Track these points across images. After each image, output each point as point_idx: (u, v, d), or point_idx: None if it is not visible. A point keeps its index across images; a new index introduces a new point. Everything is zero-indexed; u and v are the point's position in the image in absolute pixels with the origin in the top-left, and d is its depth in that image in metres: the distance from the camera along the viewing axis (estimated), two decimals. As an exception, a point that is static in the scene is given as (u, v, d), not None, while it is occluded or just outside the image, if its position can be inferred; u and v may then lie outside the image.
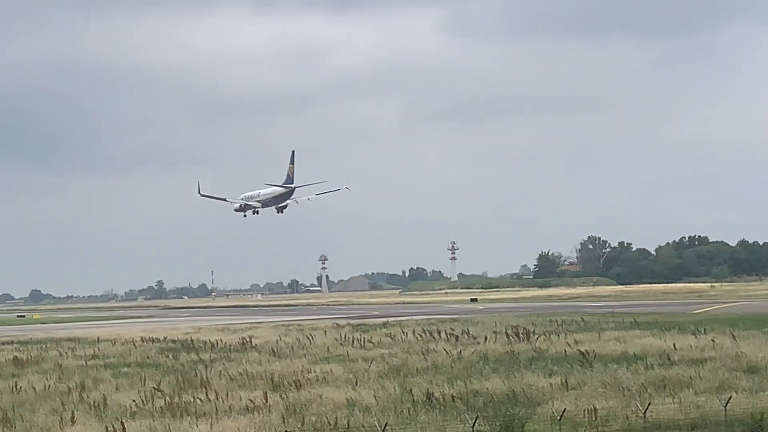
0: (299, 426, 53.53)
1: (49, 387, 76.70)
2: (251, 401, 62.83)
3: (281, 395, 66.02)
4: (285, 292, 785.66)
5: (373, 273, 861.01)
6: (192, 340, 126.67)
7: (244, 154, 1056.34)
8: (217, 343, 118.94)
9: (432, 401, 61.32)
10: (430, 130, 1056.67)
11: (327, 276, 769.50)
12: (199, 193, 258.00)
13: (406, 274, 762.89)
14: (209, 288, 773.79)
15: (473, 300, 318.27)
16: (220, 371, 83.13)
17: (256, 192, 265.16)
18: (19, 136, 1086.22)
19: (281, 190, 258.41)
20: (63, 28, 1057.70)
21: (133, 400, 65.36)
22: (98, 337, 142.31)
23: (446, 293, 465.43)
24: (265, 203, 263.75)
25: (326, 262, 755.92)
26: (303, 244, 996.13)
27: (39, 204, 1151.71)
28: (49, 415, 61.70)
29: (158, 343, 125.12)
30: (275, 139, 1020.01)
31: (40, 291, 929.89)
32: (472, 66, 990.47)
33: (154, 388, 70.91)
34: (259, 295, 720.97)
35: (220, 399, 64.62)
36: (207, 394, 66.41)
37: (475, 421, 47.17)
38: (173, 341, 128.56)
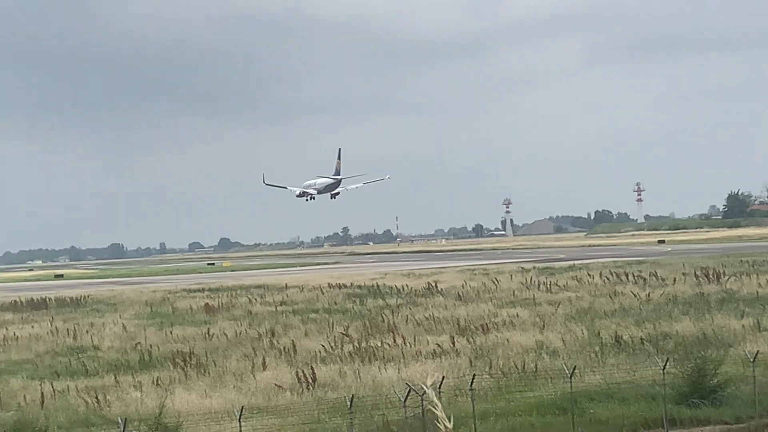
0: (487, 370, 53.48)
1: (240, 333, 78.28)
2: (438, 345, 62.98)
3: (468, 339, 66.07)
4: (469, 237, 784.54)
5: (557, 216, 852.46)
6: (378, 286, 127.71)
7: (421, 101, 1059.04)
8: (403, 289, 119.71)
9: (620, 344, 60.58)
10: (611, 71, 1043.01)
11: (511, 220, 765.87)
12: (264, 182, 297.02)
13: (591, 217, 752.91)
14: (394, 234, 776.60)
15: (660, 242, 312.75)
16: (407, 316, 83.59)
17: (313, 181, 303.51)
18: (204, 90, 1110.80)
19: (331, 180, 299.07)
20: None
21: (322, 346, 66.17)
22: (286, 284, 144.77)
23: (633, 235, 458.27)
24: (320, 191, 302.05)
25: (510, 205, 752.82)
26: (487, 188, 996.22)
27: (225, 154, 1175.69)
28: (240, 360, 62.96)
29: (345, 289, 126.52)
30: (452, 85, 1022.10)
31: (228, 239, 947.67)
32: (656, 3, 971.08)
33: (342, 334, 71.68)
34: (443, 240, 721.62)
35: (407, 343, 64.96)
36: (394, 339, 66.86)
37: (665, 364, 46.27)
38: (359, 287, 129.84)
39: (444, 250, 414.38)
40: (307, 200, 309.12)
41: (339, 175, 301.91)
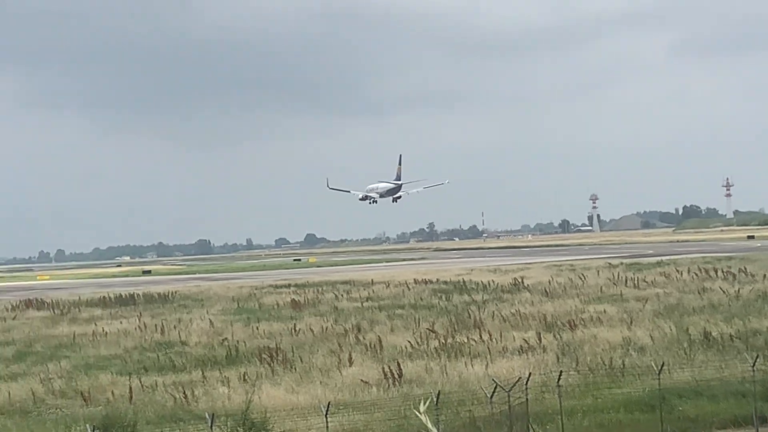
0: (574, 366, 53.07)
1: (326, 329, 78.43)
2: (525, 341, 62.66)
3: (555, 335, 65.67)
4: (555, 233, 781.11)
5: (645, 212, 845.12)
6: (464, 282, 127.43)
7: (510, 94, 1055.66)
8: (489, 284, 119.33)
9: (709, 341, 59.83)
10: (700, 63, 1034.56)
11: (598, 215, 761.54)
12: (327, 186, 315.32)
13: (679, 212, 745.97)
14: (480, 229, 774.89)
15: (750, 237, 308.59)
16: (493, 312, 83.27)
17: (375, 185, 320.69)
18: (295, 85, 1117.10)
19: (392, 185, 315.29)
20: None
21: (408, 341, 66.09)
22: (372, 280, 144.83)
23: (721, 231, 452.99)
24: (382, 195, 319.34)
25: (597, 201, 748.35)
26: (573, 184, 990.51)
27: (311, 148, 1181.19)
28: (327, 356, 63.06)
29: (431, 285, 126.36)
30: (537, 78, 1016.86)
31: (314, 235, 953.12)
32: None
33: (428, 330, 71.55)
34: (529, 235, 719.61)
35: (493, 339, 64.69)
36: (480, 335, 66.60)
37: (755, 361, 45.60)
38: (445, 283, 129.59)
39: (530, 245, 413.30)
40: (369, 203, 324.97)
41: (400, 180, 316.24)
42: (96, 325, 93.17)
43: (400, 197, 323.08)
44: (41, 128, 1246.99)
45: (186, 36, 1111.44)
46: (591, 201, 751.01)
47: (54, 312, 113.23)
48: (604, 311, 79.30)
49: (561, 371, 45.79)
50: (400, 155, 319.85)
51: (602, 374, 51.78)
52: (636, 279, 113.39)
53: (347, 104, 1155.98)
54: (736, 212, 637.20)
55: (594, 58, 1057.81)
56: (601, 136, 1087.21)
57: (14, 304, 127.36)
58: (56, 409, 50.17)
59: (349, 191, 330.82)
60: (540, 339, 63.23)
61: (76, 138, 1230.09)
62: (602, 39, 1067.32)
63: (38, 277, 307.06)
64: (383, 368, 53.65)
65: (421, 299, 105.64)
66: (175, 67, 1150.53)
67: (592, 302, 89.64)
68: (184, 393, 50.17)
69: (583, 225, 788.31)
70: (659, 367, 44.73)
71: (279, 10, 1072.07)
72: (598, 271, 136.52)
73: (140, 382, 55.30)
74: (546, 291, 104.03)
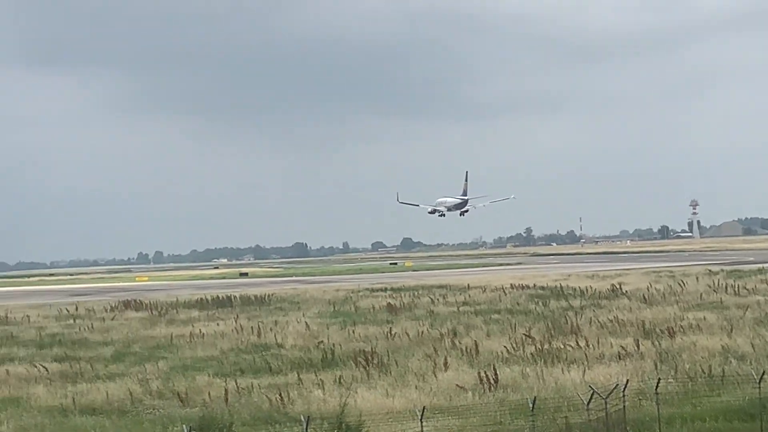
0: (672, 373, 52.32)
1: (421, 333, 78.26)
2: (623, 348, 61.95)
3: (653, 342, 64.86)
4: (654, 239, 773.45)
5: (746, 218, 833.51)
6: (561, 287, 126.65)
7: (608, 98, 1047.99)
8: (587, 290, 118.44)
9: (813, 349, 58.67)
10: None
11: (698, 221, 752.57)
12: (398, 200, 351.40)
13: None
14: (577, 235, 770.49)
15: None
16: (590, 318, 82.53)
17: (443, 200, 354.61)
18: (390, 87, 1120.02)
19: (458, 200, 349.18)
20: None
21: (504, 347, 65.68)
22: (468, 284, 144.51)
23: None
24: (450, 209, 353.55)
25: (697, 207, 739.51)
26: (673, 189, 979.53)
27: (405, 151, 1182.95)
28: (422, 360, 62.87)
29: (527, 290, 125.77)
30: (638, 82, 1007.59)
31: (411, 239, 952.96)
32: None
33: (525, 335, 71.08)
34: (628, 241, 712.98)
35: (590, 346, 64.04)
36: (577, 341, 65.99)
37: None
38: (542, 288, 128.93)
39: (628, 251, 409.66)
40: (438, 216, 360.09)
41: (466, 195, 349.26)
42: (193, 326, 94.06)
43: (467, 211, 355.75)
44: (141, 132, 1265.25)
45: (285, 38, 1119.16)
46: (691, 207, 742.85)
47: (152, 313, 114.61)
48: (704, 318, 78.14)
49: (659, 378, 45.23)
50: (467, 172, 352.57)
51: (701, 382, 50.91)
52: (736, 286, 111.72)
53: (442, 108, 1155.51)
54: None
55: (696, 62, 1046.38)
56: (702, 140, 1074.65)
57: (113, 305, 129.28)
58: (153, 409, 50.59)
59: (418, 205, 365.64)
60: (638, 346, 62.48)
61: (175, 141, 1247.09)
62: (703, 43, 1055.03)
63: (137, 279, 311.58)
64: (479, 373, 53.32)
65: (518, 304, 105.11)
66: (273, 71, 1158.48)
67: (691, 309, 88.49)
68: (280, 395, 50.28)
69: (683, 231, 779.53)
70: (760, 375, 43.95)
71: (374, 10, 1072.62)
72: (698, 278, 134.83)
73: (236, 383, 55.56)
74: (644, 297, 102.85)
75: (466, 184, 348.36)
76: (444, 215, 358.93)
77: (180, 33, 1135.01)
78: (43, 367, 65.72)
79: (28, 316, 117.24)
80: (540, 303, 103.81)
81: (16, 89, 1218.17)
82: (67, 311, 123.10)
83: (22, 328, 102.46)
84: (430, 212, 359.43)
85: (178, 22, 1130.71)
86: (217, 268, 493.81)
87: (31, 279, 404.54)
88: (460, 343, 70.13)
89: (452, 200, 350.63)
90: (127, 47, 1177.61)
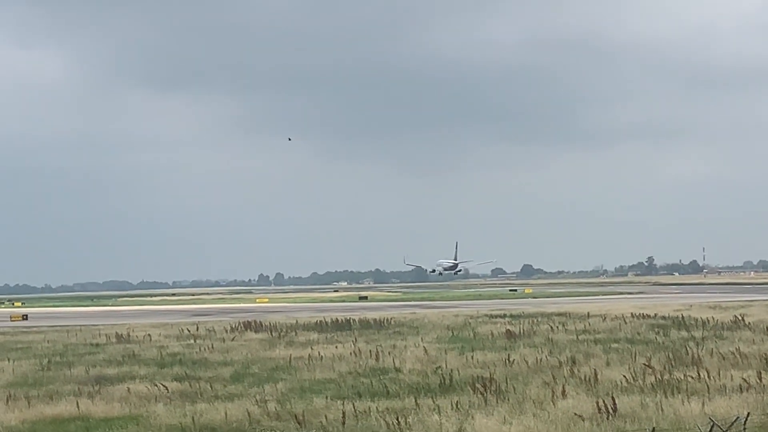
0: (796, 408, 51.30)
1: (540, 360, 77.77)
2: (744, 380, 60.90)
3: (776, 375, 63.64)
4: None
5: None
6: (683, 317, 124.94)
7: (735, 127, 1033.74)
8: (709, 321, 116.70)
9: None
10: None
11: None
12: (404, 262, 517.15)
13: None
14: (700, 264, 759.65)
15: None
16: (712, 349, 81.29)
17: (442, 261, 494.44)
18: (499, 112, 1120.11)
19: (451, 264, 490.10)
20: (543, 5, 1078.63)
21: (624, 376, 65.00)
22: (588, 312, 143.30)
23: None
24: (446, 269, 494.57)
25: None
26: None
27: (523, 177, 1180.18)
28: (540, 388, 62.50)
29: (648, 320, 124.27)
30: (763, 109, 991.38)
31: (531, 265, 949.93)
32: None
33: (645, 365, 70.25)
34: (752, 272, 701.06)
35: (711, 377, 63.11)
36: (698, 372, 65.05)
37: None
38: (663, 318, 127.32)
39: (753, 282, 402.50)
40: (437, 275, 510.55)
41: (456, 260, 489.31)
42: (312, 349, 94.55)
43: (460, 270, 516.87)
44: (260, 152, 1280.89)
45: (403, 62, 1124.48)
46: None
47: (271, 334, 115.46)
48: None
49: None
50: (456, 242, 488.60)
51: (827, 418, 49.91)
52: None
53: (558, 135, 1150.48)
54: None
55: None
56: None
57: (233, 326, 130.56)
58: (271, 430, 50.98)
59: (420, 266, 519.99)
60: (760, 378, 61.37)
61: (296, 162, 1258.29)
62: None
63: (257, 300, 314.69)
64: (597, 402, 52.86)
65: (638, 333, 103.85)
66: (389, 93, 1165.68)
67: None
68: (397, 419, 50.36)
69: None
70: None
71: (496, 37, 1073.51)
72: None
73: (353, 406, 55.76)
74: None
75: (456, 252, 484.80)
76: (441, 274, 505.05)
77: (309, 55, 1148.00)
78: (164, 386, 66.54)
79: (149, 335, 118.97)
80: (661, 333, 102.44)
81: (143, 109, 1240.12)
82: (188, 331, 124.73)
83: (143, 347, 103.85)
84: (431, 271, 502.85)
85: (309, 43, 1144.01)
86: (336, 291, 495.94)
87: (154, 298, 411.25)
88: (578, 371, 69.51)
89: (447, 263, 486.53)
90: (258, 69, 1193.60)
